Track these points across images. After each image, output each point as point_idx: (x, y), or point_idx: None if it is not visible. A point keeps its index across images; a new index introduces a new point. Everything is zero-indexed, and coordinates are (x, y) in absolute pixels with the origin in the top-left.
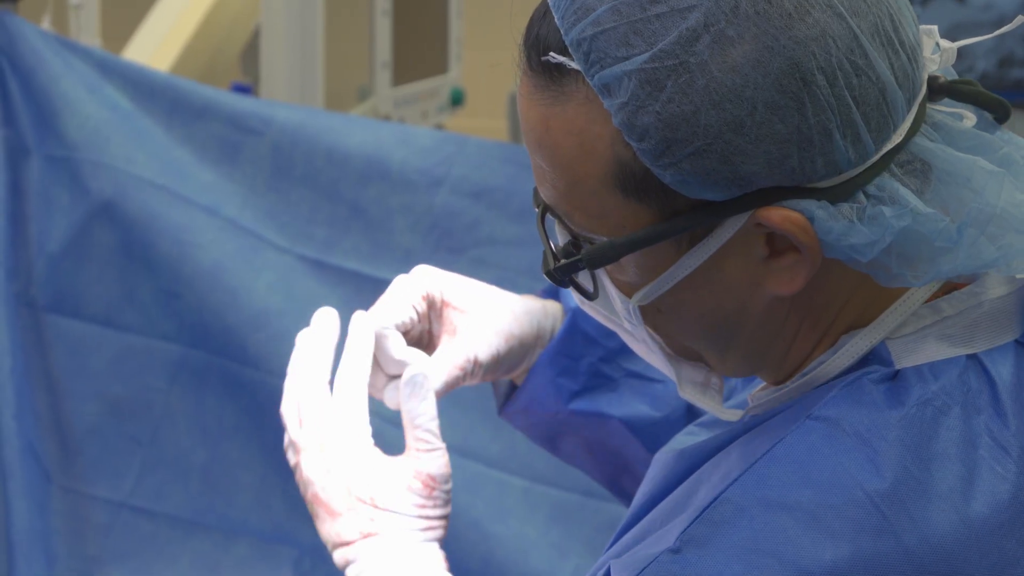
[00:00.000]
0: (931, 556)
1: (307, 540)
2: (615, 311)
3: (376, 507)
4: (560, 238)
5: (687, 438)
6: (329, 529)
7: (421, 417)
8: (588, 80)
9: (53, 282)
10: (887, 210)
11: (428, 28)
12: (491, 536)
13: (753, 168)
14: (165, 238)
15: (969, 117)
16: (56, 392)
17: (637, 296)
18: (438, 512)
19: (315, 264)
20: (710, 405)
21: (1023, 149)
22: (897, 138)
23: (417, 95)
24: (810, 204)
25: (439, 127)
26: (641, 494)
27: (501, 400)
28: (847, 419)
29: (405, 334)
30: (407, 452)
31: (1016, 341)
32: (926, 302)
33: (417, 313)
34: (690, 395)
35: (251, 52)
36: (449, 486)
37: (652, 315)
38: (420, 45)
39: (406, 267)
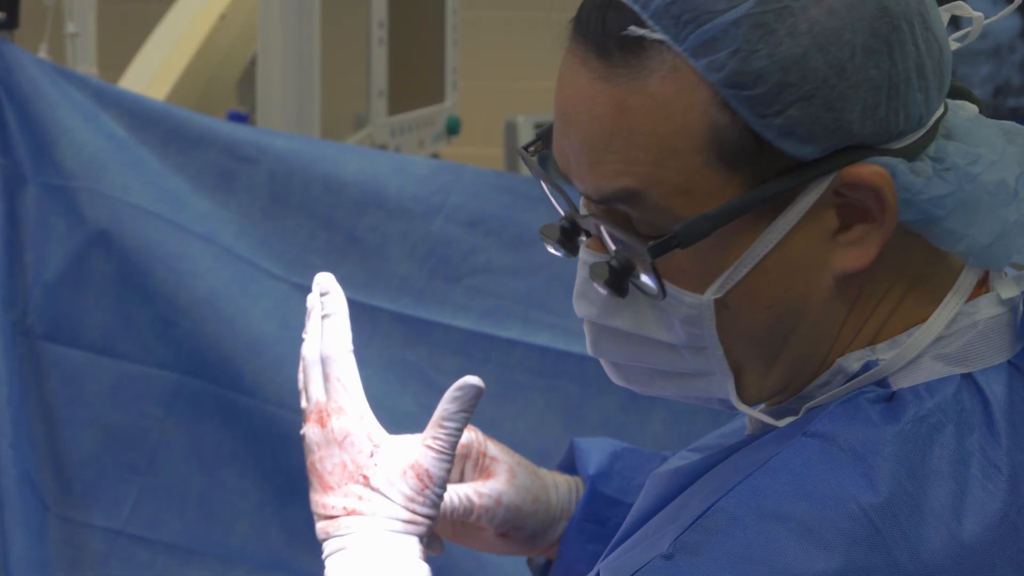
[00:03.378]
0: (920, 572)
1: (304, 568)
2: (664, 327)
3: (368, 487)
4: (610, 244)
5: (679, 460)
6: (318, 499)
7: (451, 422)
8: (677, 46)
9: (49, 311)
10: (960, 160)
11: (424, 57)
12: (486, 563)
13: (851, 116)
14: (161, 266)
15: (970, 107)
16: (53, 420)
17: (713, 287)
18: (425, 510)
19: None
20: (759, 414)
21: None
22: (943, 107)
23: (413, 124)
24: (891, 160)
25: (435, 156)
26: (635, 510)
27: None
28: (842, 435)
29: None
30: (418, 443)
31: (1009, 361)
32: (919, 322)
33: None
34: (743, 406)
35: (247, 81)
36: (442, 492)
37: (720, 314)
38: (416, 74)
39: (401, 295)
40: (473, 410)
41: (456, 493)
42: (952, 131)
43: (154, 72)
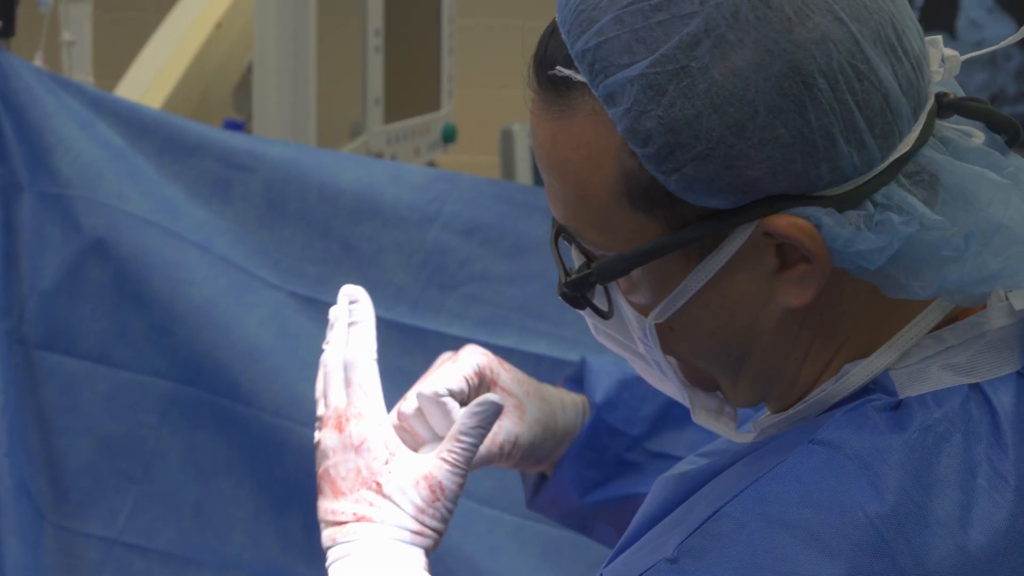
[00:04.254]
0: None
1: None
2: (629, 335)
3: (380, 493)
4: (575, 261)
5: (687, 465)
6: (328, 505)
7: (469, 437)
8: (593, 91)
9: (45, 319)
10: (895, 217)
11: (420, 65)
12: (483, 572)
13: (757, 173)
14: (157, 275)
15: (977, 135)
16: (48, 429)
17: (652, 314)
18: (434, 523)
19: (307, 301)
20: (723, 430)
21: None
22: (904, 147)
23: (409, 132)
24: (816, 211)
25: (431, 164)
26: (640, 515)
27: (530, 492)
28: (849, 443)
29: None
30: (432, 456)
31: (1018, 372)
32: (930, 332)
33: (468, 386)
34: (704, 420)
35: (244, 89)
36: (452, 507)
37: (666, 335)
38: (412, 82)
39: (397, 304)
40: (490, 427)
41: (479, 450)
42: (927, 170)
43: (150, 80)
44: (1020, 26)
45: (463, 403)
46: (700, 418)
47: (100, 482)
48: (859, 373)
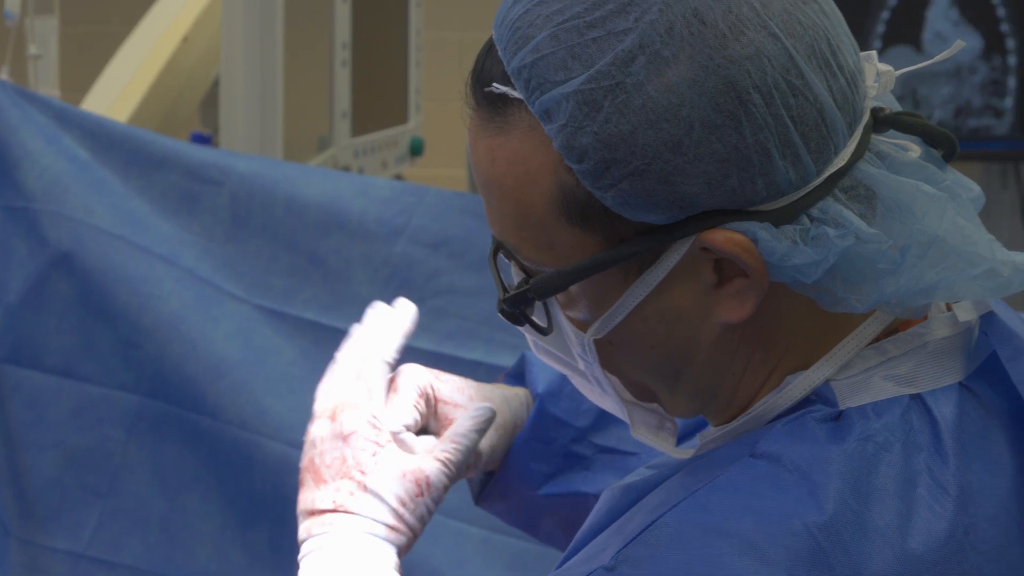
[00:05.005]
0: None
1: None
2: (569, 351)
3: (362, 485)
4: (514, 277)
5: (634, 477)
6: (309, 495)
7: (465, 439)
8: (530, 107)
9: (11, 333)
10: (830, 231)
11: (387, 79)
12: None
13: (693, 188)
14: (124, 289)
15: (914, 149)
16: (13, 444)
17: (591, 330)
18: (412, 521)
19: (273, 314)
20: (663, 445)
21: (968, 187)
22: (840, 162)
23: (376, 145)
24: (753, 225)
25: (399, 177)
26: (587, 525)
27: (476, 488)
28: (788, 455)
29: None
30: (423, 453)
31: (960, 383)
32: (871, 343)
33: (420, 413)
34: (643, 436)
35: (210, 102)
36: (434, 509)
37: (605, 350)
38: (379, 95)
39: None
40: (484, 433)
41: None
42: (863, 184)
43: (117, 94)
44: (985, 39)
45: (419, 433)
46: (639, 434)
47: (66, 496)
48: (799, 385)
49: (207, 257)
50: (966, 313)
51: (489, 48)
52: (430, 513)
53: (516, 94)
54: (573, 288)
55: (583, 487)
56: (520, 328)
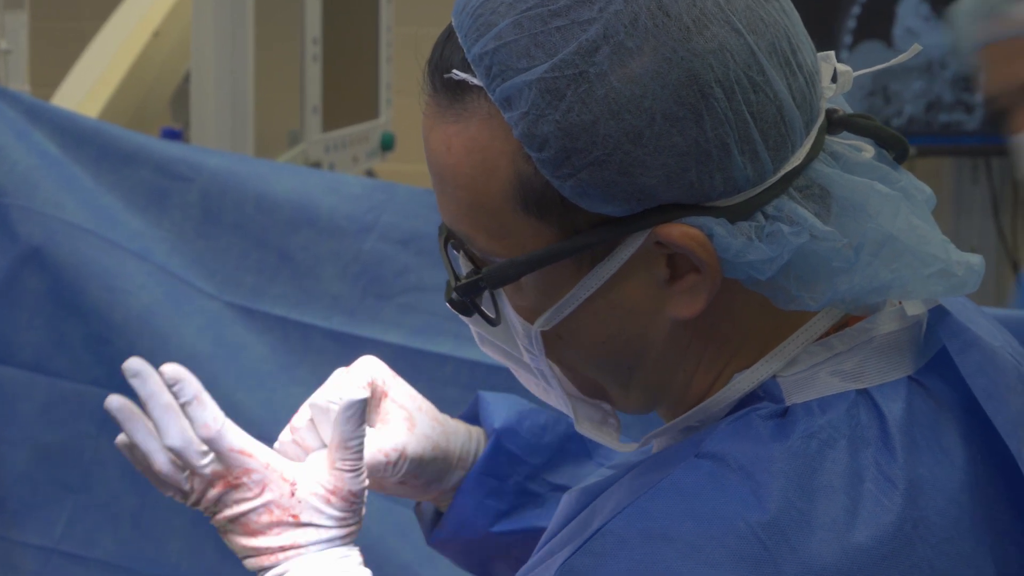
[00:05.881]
0: None
1: None
2: (515, 344)
3: (299, 524)
4: (463, 267)
5: (594, 477)
6: (245, 542)
7: (353, 440)
8: (490, 95)
9: None
10: (785, 228)
11: (358, 73)
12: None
13: (652, 181)
14: (94, 284)
15: (867, 150)
16: None
17: (539, 321)
18: (356, 519)
19: (243, 311)
20: (607, 440)
21: (921, 189)
22: (796, 160)
23: (348, 140)
24: (708, 221)
25: (370, 172)
26: (548, 529)
27: (427, 527)
28: (732, 454)
29: None
30: (328, 468)
31: (909, 377)
32: (818, 339)
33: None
34: (587, 431)
35: (181, 97)
36: (363, 502)
37: (554, 343)
38: (350, 90)
39: (334, 313)
40: (364, 421)
41: (365, 459)
42: (817, 183)
43: (88, 89)
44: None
45: None
46: (583, 428)
47: (37, 491)
48: (744, 381)
49: (177, 254)
50: (914, 308)
51: (448, 35)
52: (362, 506)
53: (476, 81)
54: (525, 279)
55: (536, 522)
56: (466, 320)
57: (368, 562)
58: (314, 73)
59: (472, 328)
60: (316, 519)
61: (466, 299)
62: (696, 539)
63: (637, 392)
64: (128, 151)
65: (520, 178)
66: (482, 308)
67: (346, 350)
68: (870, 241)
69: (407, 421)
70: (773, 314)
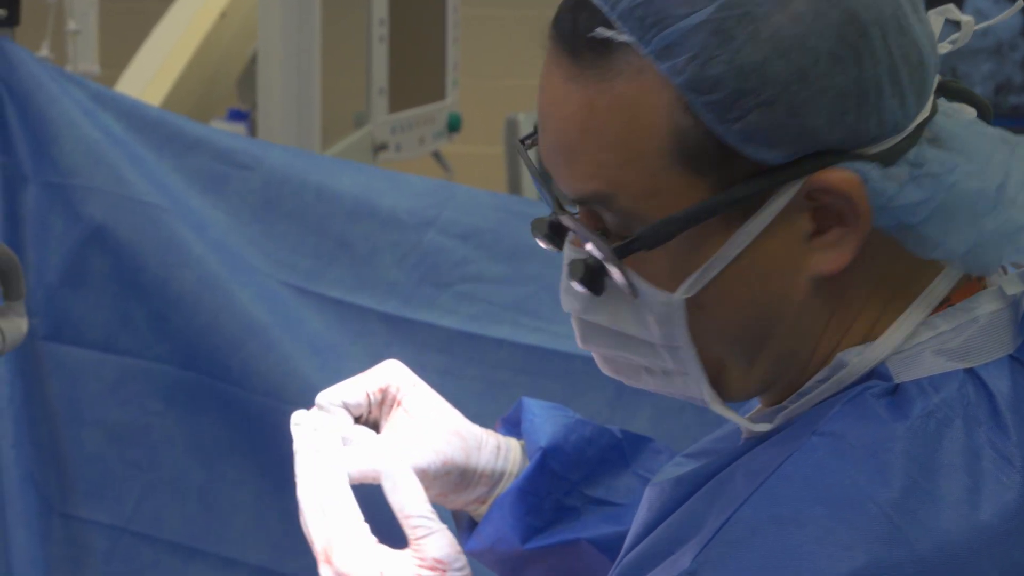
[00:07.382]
0: (945, 564)
1: (306, 559)
2: (643, 325)
3: None
4: (572, 252)
5: (677, 468)
6: None
7: (409, 506)
8: (642, 48)
9: (51, 310)
10: (936, 167)
11: (425, 55)
12: None
13: (817, 122)
14: (153, 260)
15: (968, 110)
16: (55, 420)
17: (682, 288)
18: (462, 562)
19: (298, 290)
20: (737, 417)
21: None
22: (927, 111)
23: (414, 121)
24: (864, 165)
25: (436, 153)
26: (638, 522)
27: (464, 534)
28: (852, 433)
29: (357, 419)
30: (409, 544)
31: (1011, 356)
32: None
33: (369, 399)
34: (721, 410)
35: (248, 78)
36: (462, 562)
37: (694, 315)
38: (417, 71)
39: (390, 299)
40: (414, 480)
41: (357, 466)
42: (941, 136)
43: (155, 70)
44: None
45: (359, 417)
46: (718, 407)
47: (107, 471)
48: (861, 362)
49: (233, 233)
50: (1012, 286)
51: (573, 5)
52: (466, 569)
53: (624, 37)
54: (671, 242)
55: (573, 533)
56: (576, 310)
57: None
58: (381, 54)
59: (576, 322)
60: None
61: (616, 264)
62: (828, 522)
63: (763, 367)
64: (191, 139)
65: (678, 131)
66: (628, 278)
67: (399, 332)
68: (1012, 181)
69: (413, 433)
70: (893, 278)
